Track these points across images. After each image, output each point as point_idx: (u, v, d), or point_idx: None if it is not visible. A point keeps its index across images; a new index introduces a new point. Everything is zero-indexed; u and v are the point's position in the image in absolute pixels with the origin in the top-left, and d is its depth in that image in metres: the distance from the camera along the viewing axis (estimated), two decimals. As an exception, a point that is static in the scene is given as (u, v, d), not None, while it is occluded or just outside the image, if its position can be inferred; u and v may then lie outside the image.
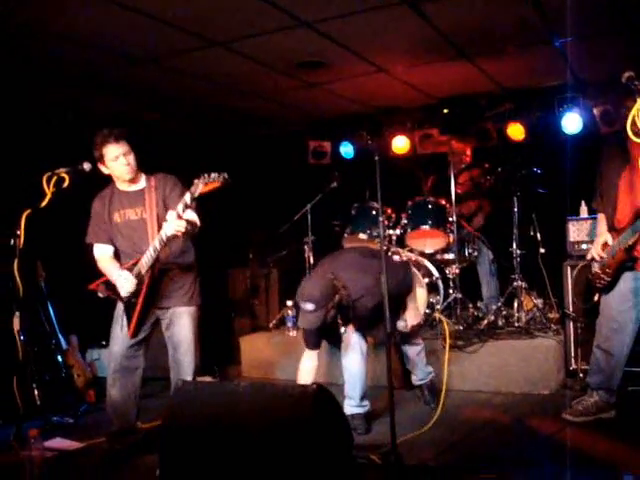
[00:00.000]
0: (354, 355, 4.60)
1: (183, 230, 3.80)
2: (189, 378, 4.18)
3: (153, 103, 6.56)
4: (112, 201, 4.23)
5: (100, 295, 4.28)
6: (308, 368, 4.67)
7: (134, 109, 6.60)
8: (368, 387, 4.69)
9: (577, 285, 5.36)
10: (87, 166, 4.18)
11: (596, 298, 4.49)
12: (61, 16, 4.28)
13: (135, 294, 4.09)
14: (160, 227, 3.92)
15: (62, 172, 4.13)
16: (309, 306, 4.18)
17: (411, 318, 4.79)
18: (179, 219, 3.78)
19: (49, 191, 4.08)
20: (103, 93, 6.06)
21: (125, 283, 4.05)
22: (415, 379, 5.13)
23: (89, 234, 4.28)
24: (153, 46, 4.94)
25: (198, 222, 4.08)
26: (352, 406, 4.59)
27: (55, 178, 4.09)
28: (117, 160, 4.05)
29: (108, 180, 4.32)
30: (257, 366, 6.57)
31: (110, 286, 4.20)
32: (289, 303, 6.77)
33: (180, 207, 3.77)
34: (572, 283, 5.46)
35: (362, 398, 4.62)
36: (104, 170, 4.17)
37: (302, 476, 3.26)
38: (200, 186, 3.68)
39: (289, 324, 6.68)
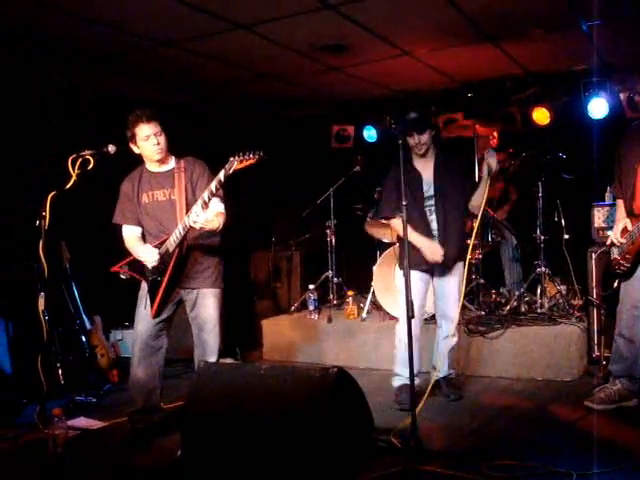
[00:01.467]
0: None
1: (201, 225, 3.89)
2: (214, 358, 4.23)
3: (176, 86, 6.57)
4: (141, 182, 4.28)
5: (123, 277, 4.33)
6: None
7: (158, 91, 6.61)
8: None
9: (601, 271, 5.32)
10: (112, 148, 4.21)
11: (615, 285, 4.46)
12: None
13: (160, 273, 4.16)
14: (189, 209, 3.98)
15: (87, 154, 4.15)
16: None
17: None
18: (205, 207, 3.87)
19: (74, 173, 4.11)
20: (130, 76, 6.08)
21: (148, 255, 4.13)
22: (435, 373, 4.87)
23: (117, 215, 4.35)
24: (178, 29, 4.94)
25: (224, 212, 4.18)
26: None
27: (80, 160, 4.12)
28: (148, 140, 4.10)
29: (132, 163, 4.35)
30: (278, 349, 6.61)
31: (134, 267, 4.28)
32: (311, 286, 6.79)
33: (206, 194, 3.85)
34: (596, 270, 5.41)
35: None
36: (135, 149, 4.23)
37: (322, 458, 3.29)
38: (235, 163, 3.75)
39: (311, 307, 6.71)
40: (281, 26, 4.95)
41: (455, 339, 4.86)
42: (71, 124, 6.03)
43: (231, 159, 3.76)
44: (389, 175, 4.81)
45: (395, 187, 4.49)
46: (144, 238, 4.33)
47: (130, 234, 4.32)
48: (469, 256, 4.71)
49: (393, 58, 5.93)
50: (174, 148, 4.36)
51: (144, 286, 4.29)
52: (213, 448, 3.53)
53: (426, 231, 4.67)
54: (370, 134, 7.82)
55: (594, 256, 5.44)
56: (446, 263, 4.66)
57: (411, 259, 4.41)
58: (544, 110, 6.78)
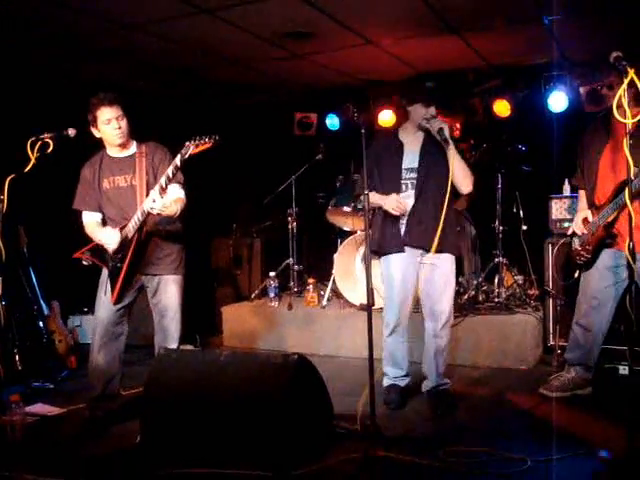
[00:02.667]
0: None
1: (158, 211, 3.88)
2: (175, 345, 4.25)
3: (138, 70, 6.49)
4: (102, 167, 4.24)
5: (85, 263, 4.31)
6: None
7: (120, 75, 6.53)
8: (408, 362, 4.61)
9: (558, 261, 5.42)
10: (72, 132, 4.16)
11: (576, 275, 4.54)
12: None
13: (121, 259, 4.13)
14: (149, 195, 3.95)
15: (46, 137, 4.10)
16: None
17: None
18: (162, 193, 3.85)
19: (33, 156, 4.05)
20: (90, 58, 5.98)
21: (110, 238, 4.10)
22: (425, 384, 4.57)
23: (77, 200, 4.32)
24: (140, 12, 4.88)
25: (183, 198, 4.17)
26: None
27: (39, 143, 4.07)
28: (109, 124, 4.07)
29: (92, 146, 4.30)
30: (239, 336, 6.61)
31: (95, 253, 4.26)
32: (272, 274, 6.79)
33: (163, 179, 3.84)
34: (553, 260, 5.51)
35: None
36: (95, 133, 4.19)
37: (282, 444, 3.31)
38: (191, 148, 3.72)
39: (271, 294, 6.72)
40: (245, 12, 4.91)
41: (442, 340, 4.43)
42: (31, 106, 5.92)
43: (187, 143, 3.74)
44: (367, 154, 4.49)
45: (369, 166, 4.32)
46: (105, 224, 4.29)
47: (90, 220, 4.29)
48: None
49: (357, 47, 5.94)
50: (135, 133, 4.32)
51: (105, 272, 4.26)
52: (172, 434, 3.53)
53: None
54: (333, 122, 7.81)
55: (551, 247, 5.54)
56: (411, 241, 4.35)
57: (387, 241, 4.43)
58: (505, 102, 6.85)
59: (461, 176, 4.31)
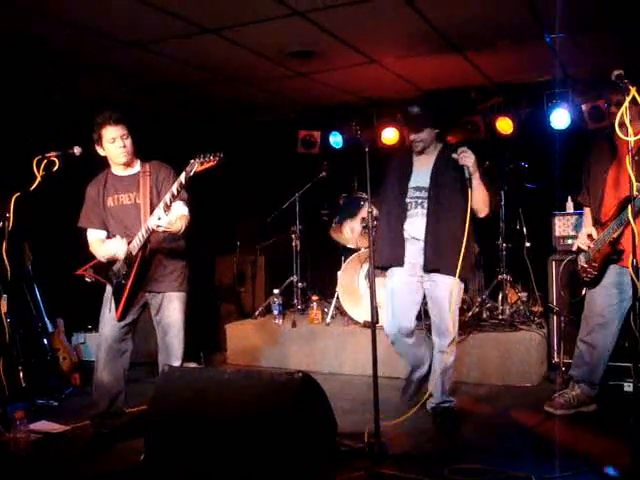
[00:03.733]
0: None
1: (163, 228, 3.91)
2: (178, 362, 4.27)
3: (143, 88, 6.54)
4: (106, 186, 4.29)
5: (87, 280, 4.32)
6: None
7: (125, 94, 6.58)
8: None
9: (564, 279, 5.42)
10: (77, 150, 4.20)
11: (583, 292, 4.54)
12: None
13: (124, 276, 4.16)
14: (153, 213, 3.98)
15: (52, 156, 4.14)
16: None
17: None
18: (167, 210, 3.88)
19: (39, 174, 4.08)
20: (94, 77, 6.03)
21: (118, 247, 4.11)
22: (430, 401, 4.51)
23: (82, 218, 4.35)
24: (145, 31, 4.92)
25: (187, 215, 4.18)
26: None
27: (45, 162, 4.10)
28: (114, 142, 4.12)
29: (97, 164, 4.33)
30: (242, 353, 6.60)
31: (99, 270, 4.27)
32: (275, 291, 6.80)
33: (168, 197, 3.85)
34: (557, 277, 5.52)
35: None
36: (100, 152, 4.24)
37: (285, 463, 3.30)
38: (196, 165, 3.75)
39: (275, 312, 6.71)
40: (250, 31, 4.95)
41: (450, 357, 4.39)
42: (37, 125, 5.96)
43: (192, 161, 3.77)
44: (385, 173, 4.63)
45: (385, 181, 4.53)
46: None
47: (95, 238, 4.32)
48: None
49: (360, 65, 5.98)
50: (139, 151, 4.35)
51: (109, 289, 4.28)
52: (176, 453, 3.52)
53: (399, 228, 4.41)
54: (336, 140, 7.85)
55: (554, 264, 5.54)
56: (427, 266, 4.31)
57: (388, 255, 4.43)
58: (507, 120, 6.88)
59: (481, 203, 4.34)
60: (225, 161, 3.78)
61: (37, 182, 4.09)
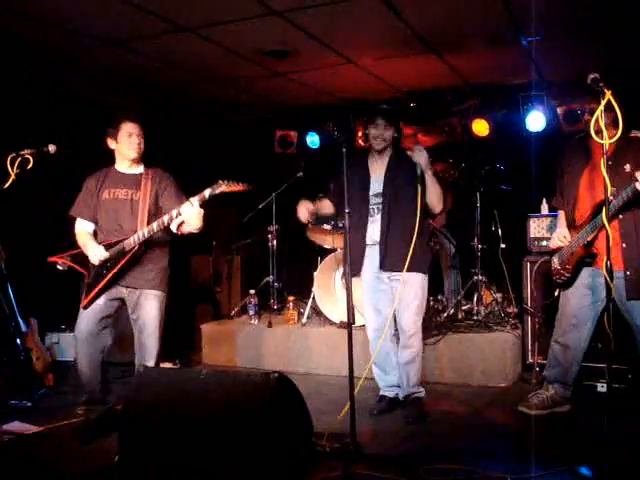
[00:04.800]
0: None
1: (197, 214, 4.28)
2: (152, 361, 4.38)
3: (117, 87, 6.49)
4: (105, 179, 4.49)
5: (59, 268, 4.47)
6: None
7: (104, 92, 6.53)
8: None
9: (537, 280, 5.47)
10: (52, 148, 4.16)
11: (556, 293, 4.58)
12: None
13: (108, 268, 4.32)
14: (150, 214, 4.33)
15: (26, 153, 4.07)
16: None
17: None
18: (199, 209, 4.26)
19: (13, 172, 4.03)
20: (70, 74, 5.98)
21: (94, 254, 4.31)
22: (399, 392, 4.72)
23: (74, 207, 4.53)
24: (121, 29, 4.90)
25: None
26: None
27: (19, 159, 4.04)
28: (130, 137, 4.42)
29: (73, 164, 4.32)
30: (218, 354, 6.58)
31: (77, 258, 4.44)
32: (251, 291, 6.78)
33: (197, 199, 4.23)
34: (531, 279, 5.56)
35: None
36: (111, 144, 4.49)
37: (262, 462, 3.29)
38: (222, 187, 4.24)
39: (251, 312, 6.70)
40: (227, 30, 4.95)
41: (410, 351, 4.54)
42: (12, 122, 5.89)
43: (219, 181, 4.23)
44: (337, 176, 4.64)
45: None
46: (95, 234, 4.50)
47: (82, 229, 4.49)
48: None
49: (338, 66, 6.00)
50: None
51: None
52: (151, 453, 3.50)
53: (361, 234, 4.57)
54: (313, 140, 7.86)
55: (529, 265, 5.59)
56: (384, 266, 4.50)
57: (355, 262, 4.50)
58: (483, 122, 6.93)
59: (435, 199, 4.49)
60: (201, 158, 3.84)
61: (11, 180, 4.03)
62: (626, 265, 4.11)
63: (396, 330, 4.70)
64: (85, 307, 4.33)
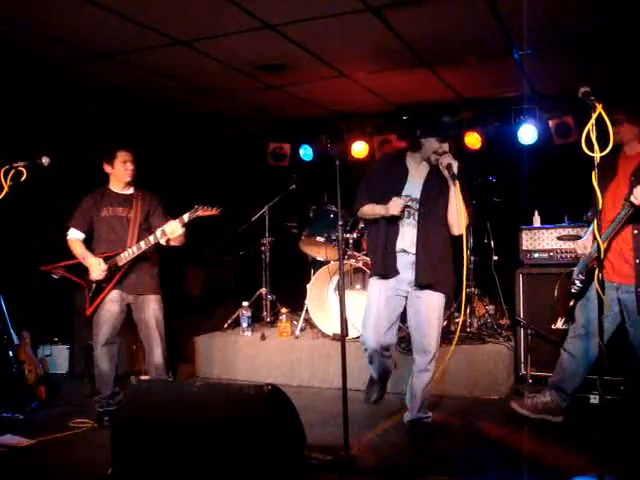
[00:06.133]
0: None
1: (180, 233, 4.74)
2: (159, 350, 5.02)
3: (114, 98, 6.49)
4: (102, 199, 5.04)
5: (54, 277, 4.99)
6: None
7: (97, 103, 6.53)
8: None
9: (528, 291, 5.52)
10: (45, 160, 4.17)
11: (572, 303, 4.59)
12: (22, 3, 4.22)
13: (106, 280, 4.88)
14: (141, 231, 4.94)
15: (20, 166, 4.08)
16: None
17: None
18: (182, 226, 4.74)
19: (6, 184, 4.03)
20: (64, 87, 5.98)
21: (95, 268, 4.85)
22: (407, 414, 4.48)
23: (72, 219, 5.01)
24: (116, 42, 4.90)
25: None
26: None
27: (13, 172, 4.04)
28: (125, 164, 4.99)
29: (68, 176, 4.34)
30: (211, 366, 6.57)
31: (73, 270, 4.95)
32: (245, 303, 6.78)
33: (177, 222, 4.72)
34: (524, 291, 5.59)
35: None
36: (107, 169, 5.03)
37: (254, 476, 3.28)
38: (199, 211, 4.73)
39: (244, 324, 6.69)
40: (221, 43, 4.97)
41: (428, 374, 4.29)
42: (5, 134, 5.90)
43: (196, 206, 4.73)
44: (370, 170, 4.50)
45: (368, 184, 4.41)
46: (87, 243, 5.00)
47: (74, 237, 4.99)
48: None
49: (331, 79, 6.02)
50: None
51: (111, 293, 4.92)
52: (145, 466, 3.49)
53: (392, 236, 4.27)
54: (306, 153, 7.88)
55: (521, 277, 5.61)
56: (419, 280, 4.21)
57: (375, 267, 4.39)
58: (476, 134, 6.97)
59: (455, 218, 4.19)
60: (194, 170, 3.88)
61: (4, 192, 4.03)
62: (637, 280, 4.12)
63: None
64: (90, 315, 4.90)
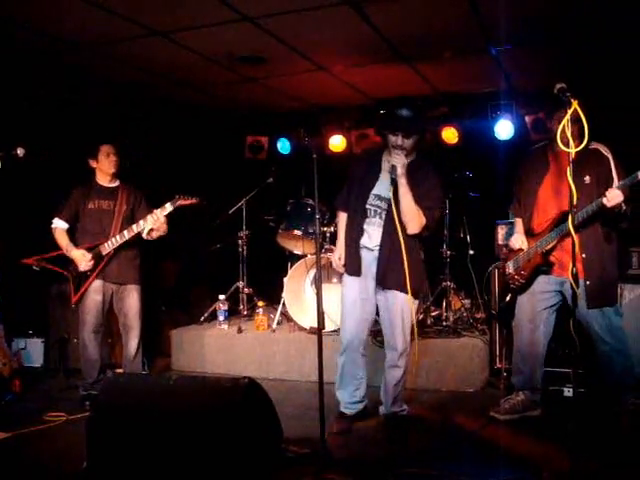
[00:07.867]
0: None
1: (162, 222, 5.13)
2: (136, 339, 5.29)
3: (90, 88, 6.43)
4: (90, 192, 5.27)
5: (35, 268, 5.18)
6: None
7: (73, 93, 6.46)
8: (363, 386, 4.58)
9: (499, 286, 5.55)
10: (20, 151, 4.18)
11: (508, 298, 4.64)
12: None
13: (90, 270, 5.09)
14: (124, 222, 5.18)
15: (-6, 156, 4.06)
16: None
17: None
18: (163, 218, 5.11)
19: (-19, 177, 4.00)
20: (39, 77, 5.92)
21: (79, 259, 5.07)
22: (382, 408, 4.57)
23: (59, 209, 5.21)
24: (92, 32, 4.86)
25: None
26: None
27: (-13, 162, 4.02)
28: (108, 157, 5.24)
29: (39, 168, 4.30)
30: (187, 359, 6.54)
31: (56, 261, 5.15)
32: (221, 297, 6.76)
33: (159, 211, 5.08)
34: (499, 285, 5.63)
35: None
36: (92, 164, 5.26)
37: (232, 468, 3.29)
38: (180, 200, 5.12)
39: (221, 318, 6.67)
40: (199, 35, 4.94)
41: (400, 370, 4.37)
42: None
43: (176, 196, 5.13)
44: (350, 168, 4.53)
45: (348, 183, 4.51)
46: (71, 233, 5.21)
47: (59, 227, 5.20)
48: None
49: (309, 72, 6.01)
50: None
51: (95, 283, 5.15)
52: (120, 460, 3.48)
53: (356, 234, 4.35)
54: (284, 146, 7.86)
55: (497, 271, 5.65)
56: (380, 282, 4.30)
57: (348, 263, 4.42)
58: (453, 129, 6.99)
59: (408, 216, 4.18)
60: (171, 163, 3.88)
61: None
62: (586, 275, 4.19)
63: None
64: (76, 304, 5.12)
